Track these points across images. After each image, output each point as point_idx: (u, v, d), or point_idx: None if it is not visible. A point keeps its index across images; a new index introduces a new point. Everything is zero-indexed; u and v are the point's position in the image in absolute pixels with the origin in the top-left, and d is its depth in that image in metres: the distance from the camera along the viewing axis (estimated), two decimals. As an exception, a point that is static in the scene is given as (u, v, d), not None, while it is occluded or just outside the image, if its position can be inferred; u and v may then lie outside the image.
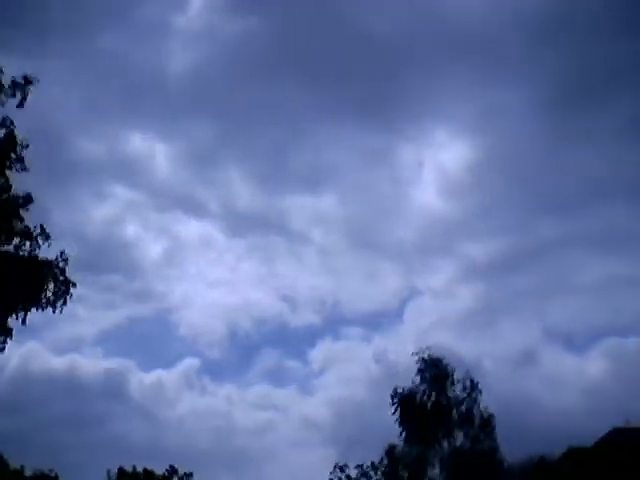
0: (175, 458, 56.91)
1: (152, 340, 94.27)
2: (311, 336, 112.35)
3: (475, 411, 45.61)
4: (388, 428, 73.07)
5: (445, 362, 45.88)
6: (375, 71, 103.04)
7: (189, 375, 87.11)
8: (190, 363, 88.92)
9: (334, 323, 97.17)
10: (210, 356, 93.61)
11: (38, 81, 20.51)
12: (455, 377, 45.86)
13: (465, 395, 45.79)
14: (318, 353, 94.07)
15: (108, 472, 49.10)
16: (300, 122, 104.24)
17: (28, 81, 20.41)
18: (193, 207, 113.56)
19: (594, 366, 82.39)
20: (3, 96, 19.82)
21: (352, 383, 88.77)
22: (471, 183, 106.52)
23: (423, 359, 45.94)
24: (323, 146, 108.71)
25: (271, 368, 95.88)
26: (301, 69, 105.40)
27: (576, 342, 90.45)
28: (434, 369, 46.14)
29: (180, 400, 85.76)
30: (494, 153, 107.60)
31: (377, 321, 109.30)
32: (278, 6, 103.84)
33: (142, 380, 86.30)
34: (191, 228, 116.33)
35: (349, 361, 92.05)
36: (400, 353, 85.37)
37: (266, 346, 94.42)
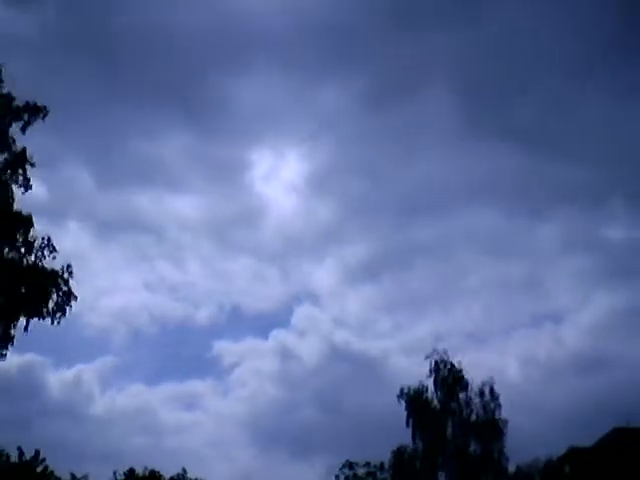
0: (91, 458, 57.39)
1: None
2: (214, 335, 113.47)
3: (489, 415, 46.03)
4: (304, 422, 74.98)
5: (458, 366, 46.39)
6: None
7: (101, 375, 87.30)
8: (105, 361, 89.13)
9: (233, 323, 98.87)
10: (116, 358, 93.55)
11: (48, 111, 21.67)
12: (470, 382, 46.42)
13: (479, 399, 46.27)
14: (224, 351, 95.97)
15: (115, 473, 49.44)
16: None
17: (37, 109, 21.56)
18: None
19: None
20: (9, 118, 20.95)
21: (261, 380, 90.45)
22: (328, 188, 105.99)
23: (435, 362, 46.46)
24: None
25: (179, 367, 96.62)
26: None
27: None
28: (446, 372, 46.62)
29: (93, 399, 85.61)
30: (343, 154, 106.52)
31: (273, 320, 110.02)
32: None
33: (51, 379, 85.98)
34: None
35: (255, 359, 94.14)
36: (302, 351, 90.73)
37: (170, 345, 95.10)
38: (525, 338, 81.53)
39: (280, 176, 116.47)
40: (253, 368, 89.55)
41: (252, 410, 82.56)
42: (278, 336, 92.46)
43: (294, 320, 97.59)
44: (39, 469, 44.45)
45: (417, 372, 74.79)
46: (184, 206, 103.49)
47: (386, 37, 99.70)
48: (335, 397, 79.18)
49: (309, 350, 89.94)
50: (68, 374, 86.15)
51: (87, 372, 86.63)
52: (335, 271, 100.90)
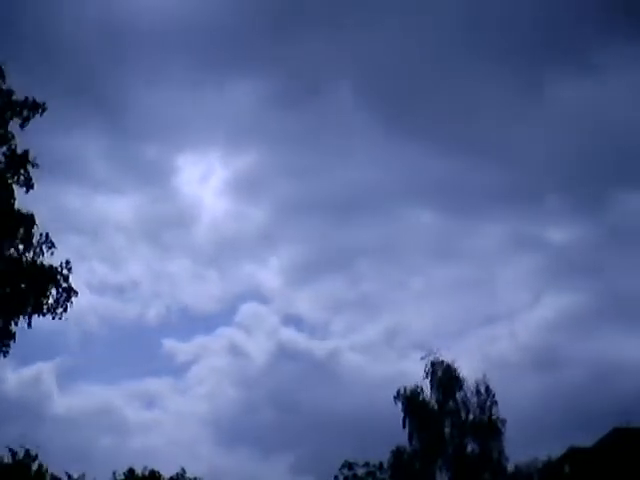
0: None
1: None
2: (165, 334, 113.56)
3: (486, 415, 45.95)
4: (263, 421, 74.32)
5: (454, 366, 46.32)
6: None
7: (58, 375, 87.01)
8: (59, 362, 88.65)
9: (182, 322, 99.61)
10: (69, 358, 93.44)
11: (46, 108, 21.38)
12: (464, 381, 46.36)
13: (476, 400, 46.18)
14: (177, 350, 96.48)
15: (114, 473, 49.19)
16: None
17: (36, 105, 21.28)
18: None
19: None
20: (9, 113, 20.67)
21: (217, 378, 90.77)
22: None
23: (431, 362, 46.38)
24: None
25: (135, 366, 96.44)
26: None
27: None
28: (443, 373, 46.54)
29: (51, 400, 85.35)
30: (269, 156, 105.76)
31: (219, 319, 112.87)
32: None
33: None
34: None
35: (209, 357, 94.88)
36: (252, 349, 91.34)
37: (123, 346, 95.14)
38: (478, 338, 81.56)
39: (208, 179, 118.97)
40: (208, 366, 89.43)
41: (212, 408, 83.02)
42: (226, 334, 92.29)
43: (240, 318, 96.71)
44: (34, 467, 44.11)
45: (371, 371, 78.17)
46: (115, 207, 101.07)
47: (292, 36, 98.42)
48: (290, 396, 79.04)
49: (259, 348, 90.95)
50: (25, 373, 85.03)
51: (43, 372, 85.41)
52: (277, 271, 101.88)
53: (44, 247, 20.50)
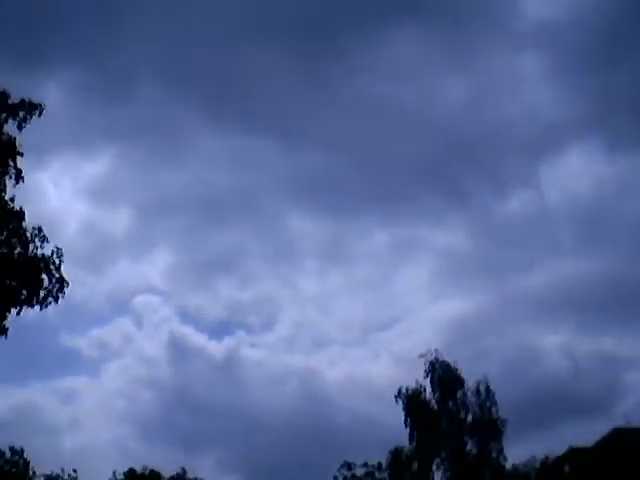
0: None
1: None
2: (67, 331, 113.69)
3: (486, 415, 45.79)
4: (179, 418, 76.40)
5: (454, 365, 46.14)
6: None
7: None
8: None
9: (77, 318, 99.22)
10: None
11: (43, 108, 21.31)
12: (465, 381, 46.18)
13: (476, 400, 46.00)
14: (83, 345, 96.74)
15: (114, 473, 49.24)
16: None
17: (33, 105, 21.20)
18: None
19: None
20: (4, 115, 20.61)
21: (127, 376, 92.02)
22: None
23: (431, 362, 46.21)
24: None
25: (43, 365, 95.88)
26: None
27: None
28: (443, 372, 46.36)
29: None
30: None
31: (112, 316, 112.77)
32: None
33: None
34: None
35: (113, 353, 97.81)
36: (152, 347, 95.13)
37: (25, 345, 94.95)
38: (377, 338, 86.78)
39: (65, 184, 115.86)
40: (116, 363, 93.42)
41: (128, 407, 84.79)
42: (122, 330, 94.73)
43: (135, 317, 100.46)
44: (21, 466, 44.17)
45: (271, 368, 78.89)
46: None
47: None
48: (197, 395, 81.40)
49: (155, 346, 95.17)
50: None
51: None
52: (157, 271, 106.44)
53: (37, 240, 20.41)
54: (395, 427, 44.93)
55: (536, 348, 74.55)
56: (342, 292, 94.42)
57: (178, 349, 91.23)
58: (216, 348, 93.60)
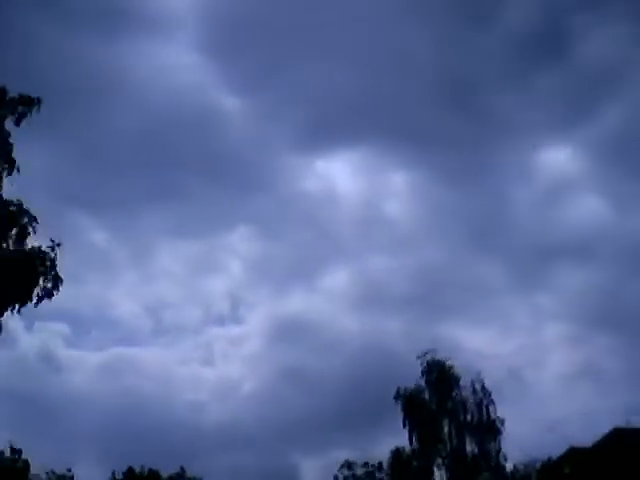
0: None
1: None
2: None
3: (484, 415, 45.68)
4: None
5: (449, 365, 46.07)
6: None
7: None
8: None
9: None
10: None
11: (40, 103, 21.16)
12: (460, 380, 46.10)
13: (473, 398, 45.90)
14: None
15: (113, 473, 49.11)
16: None
17: (30, 101, 21.07)
18: None
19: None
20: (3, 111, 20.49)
21: None
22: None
23: (427, 362, 46.12)
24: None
25: None
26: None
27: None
28: (438, 372, 46.28)
29: None
30: None
31: None
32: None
33: None
34: None
35: None
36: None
37: None
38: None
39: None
40: None
41: None
42: None
43: None
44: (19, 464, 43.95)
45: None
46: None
47: None
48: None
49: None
50: None
51: None
52: None
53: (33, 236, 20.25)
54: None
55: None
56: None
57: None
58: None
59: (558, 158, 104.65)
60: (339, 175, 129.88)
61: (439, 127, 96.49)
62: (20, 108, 20.91)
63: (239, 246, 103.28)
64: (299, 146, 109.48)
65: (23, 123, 20.93)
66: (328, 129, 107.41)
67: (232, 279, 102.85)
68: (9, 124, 20.91)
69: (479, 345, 74.35)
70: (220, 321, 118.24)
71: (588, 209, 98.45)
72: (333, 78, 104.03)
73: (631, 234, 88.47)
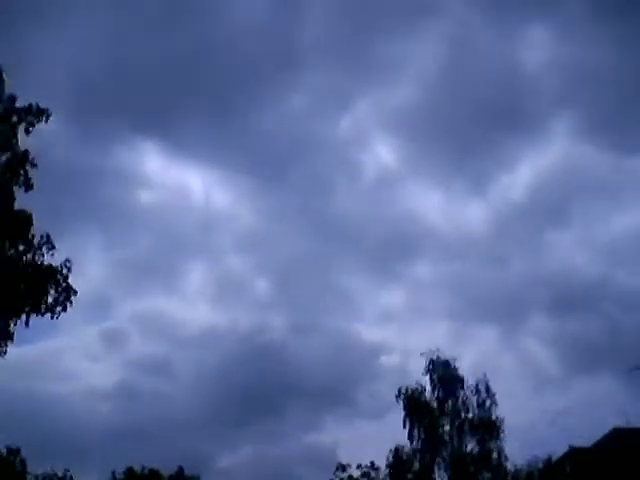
0: None
1: None
2: None
3: (485, 414, 45.82)
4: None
5: (454, 364, 46.23)
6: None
7: None
8: None
9: None
10: None
11: (50, 114, 21.34)
12: (465, 380, 46.26)
13: (476, 398, 46.05)
14: None
15: (113, 473, 49.17)
16: None
17: (40, 111, 21.25)
18: None
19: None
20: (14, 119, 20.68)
21: None
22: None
23: (431, 360, 46.24)
24: None
25: None
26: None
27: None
28: (443, 371, 46.39)
29: None
30: None
31: None
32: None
33: None
34: None
35: None
36: None
37: None
38: None
39: None
40: None
41: None
42: None
43: None
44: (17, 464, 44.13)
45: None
46: None
47: None
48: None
49: None
50: None
51: None
52: None
53: (44, 248, 20.50)
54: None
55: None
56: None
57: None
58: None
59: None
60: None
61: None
62: (29, 118, 21.08)
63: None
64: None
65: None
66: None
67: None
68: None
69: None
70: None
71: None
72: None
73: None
